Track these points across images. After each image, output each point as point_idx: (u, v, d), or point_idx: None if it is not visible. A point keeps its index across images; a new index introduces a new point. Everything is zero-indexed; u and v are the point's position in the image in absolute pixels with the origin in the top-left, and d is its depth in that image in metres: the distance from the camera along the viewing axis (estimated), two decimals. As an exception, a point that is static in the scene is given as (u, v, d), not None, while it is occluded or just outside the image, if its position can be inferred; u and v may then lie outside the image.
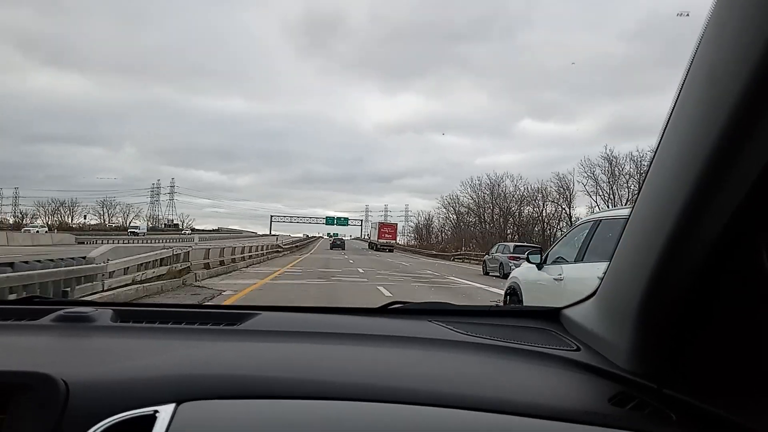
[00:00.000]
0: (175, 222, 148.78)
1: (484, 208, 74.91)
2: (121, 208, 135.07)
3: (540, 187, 67.18)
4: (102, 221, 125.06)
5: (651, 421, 1.01)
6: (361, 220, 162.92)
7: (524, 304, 7.92)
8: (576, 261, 6.87)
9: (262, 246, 37.68)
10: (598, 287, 1.40)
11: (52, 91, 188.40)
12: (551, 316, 1.71)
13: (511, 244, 29.16)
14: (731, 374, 1.01)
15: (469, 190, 78.75)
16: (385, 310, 1.88)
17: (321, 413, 1.00)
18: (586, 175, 59.20)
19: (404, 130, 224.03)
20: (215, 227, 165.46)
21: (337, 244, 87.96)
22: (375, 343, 1.45)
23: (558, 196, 63.58)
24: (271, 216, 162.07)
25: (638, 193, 1.15)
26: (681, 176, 0.94)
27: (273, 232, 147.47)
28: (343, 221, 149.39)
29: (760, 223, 0.92)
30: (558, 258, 7.48)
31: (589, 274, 5.71)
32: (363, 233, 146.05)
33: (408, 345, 1.43)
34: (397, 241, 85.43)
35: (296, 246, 58.97)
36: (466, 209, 78.58)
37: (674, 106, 0.99)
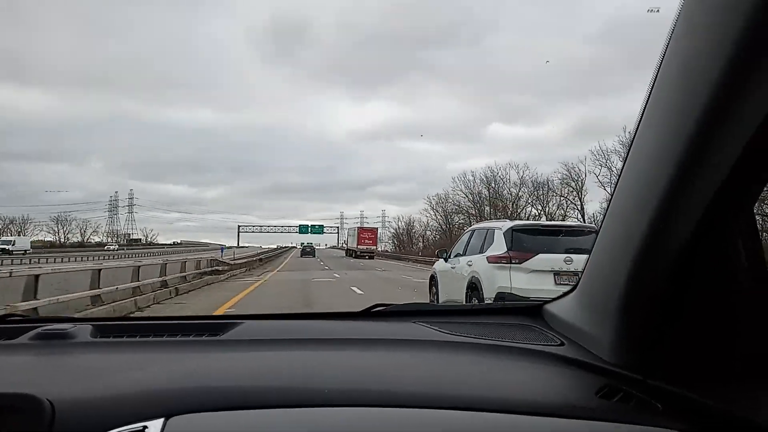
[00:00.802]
0: (134, 237, 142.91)
1: (480, 204, 68.44)
2: (77, 224, 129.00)
3: (546, 180, 60.94)
4: (57, 238, 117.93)
5: (637, 411, 1.03)
6: (338, 227, 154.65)
7: (440, 286, 11.53)
8: (461, 255, 10.39)
9: (185, 265, 21.89)
10: (578, 282, 1.41)
11: (14, 107, 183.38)
12: (534, 311, 1.72)
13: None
14: (713, 361, 1.03)
15: (462, 187, 71.78)
16: (368, 313, 1.87)
17: (312, 421, 1.00)
18: (599, 164, 51.90)
19: (376, 137, 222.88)
20: (177, 240, 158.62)
21: (308, 251, 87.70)
22: (361, 346, 1.45)
23: (564, 189, 58.30)
24: (239, 226, 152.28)
25: (614, 187, 1.17)
26: (655, 170, 0.96)
27: (242, 244, 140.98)
28: (318, 229, 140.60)
29: (733, 212, 0.94)
30: (455, 254, 10.87)
31: (464, 263, 9.87)
32: (339, 241, 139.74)
33: (394, 347, 1.43)
34: (377, 247, 77.37)
35: (259, 260, 42.98)
36: (456, 207, 72.62)
37: (647, 101, 1.01)
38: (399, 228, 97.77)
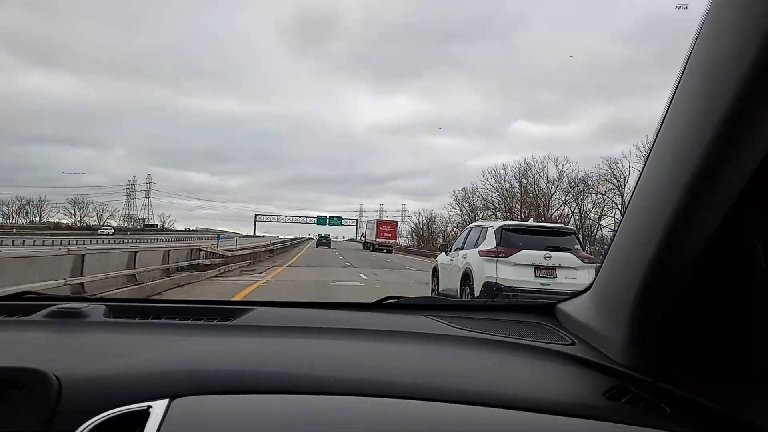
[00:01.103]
0: (149, 222, 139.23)
1: (509, 200, 64.32)
2: (94, 207, 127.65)
3: (585, 176, 58.94)
4: (73, 221, 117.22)
5: (646, 414, 1.02)
6: (356, 220, 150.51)
7: (440, 277, 12.83)
8: (460, 249, 11.72)
9: (168, 256, 16.81)
10: (593, 281, 1.40)
11: (42, 91, 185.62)
12: (546, 310, 1.71)
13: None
14: (726, 367, 1.01)
15: (492, 181, 67.89)
16: (380, 305, 1.88)
17: (316, 408, 1.00)
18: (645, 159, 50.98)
19: (397, 131, 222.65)
20: (192, 227, 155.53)
21: (323, 242, 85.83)
22: (370, 338, 1.45)
23: (604, 186, 56.95)
24: (255, 215, 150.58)
25: (635, 187, 1.15)
26: (677, 170, 0.94)
27: (259, 233, 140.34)
28: (336, 221, 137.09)
29: (754, 217, 0.92)
30: (455, 248, 12.23)
31: (461, 256, 11.20)
32: (358, 234, 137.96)
33: (403, 340, 1.43)
34: (397, 241, 74.26)
35: (269, 251, 36.99)
36: (483, 203, 68.93)
37: (671, 100, 0.99)
38: (420, 222, 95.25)
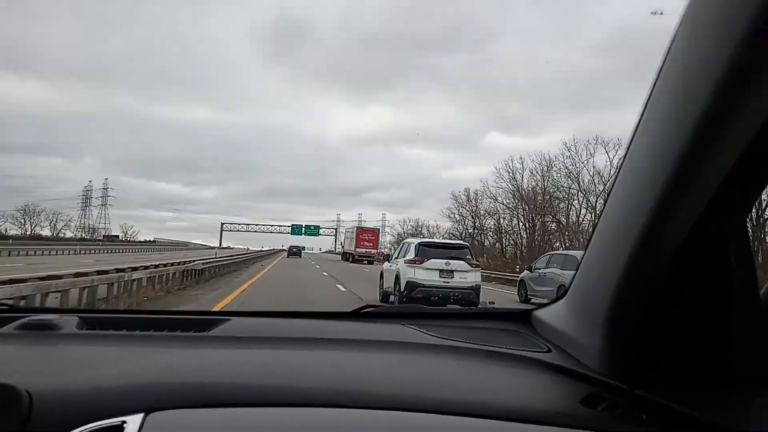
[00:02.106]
0: (109, 233, 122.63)
1: (526, 202, 55.26)
2: (46, 216, 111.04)
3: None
4: (23, 231, 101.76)
5: (622, 421, 1.02)
6: (335, 229, 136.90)
7: (384, 279, 16.31)
8: (396, 258, 15.60)
9: None
10: (568, 289, 1.41)
11: (9, 98, 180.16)
12: (522, 317, 1.72)
13: (564, 254, 19.62)
14: (701, 372, 1.03)
15: (505, 176, 56.65)
16: (357, 314, 1.87)
17: (295, 420, 0.99)
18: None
19: (372, 142, 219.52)
20: (151, 239, 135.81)
21: (294, 251, 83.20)
22: (349, 347, 1.44)
23: None
24: (222, 224, 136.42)
25: (608, 195, 1.16)
26: (649, 178, 0.96)
27: (227, 245, 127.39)
28: (313, 230, 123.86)
29: (725, 223, 0.94)
30: (394, 258, 16.07)
31: (395, 263, 15.09)
32: (336, 245, 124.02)
33: (382, 349, 1.43)
34: (378, 251, 65.14)
35: (215, 267, 25.22)
36: (493, 207, 59.03)
37: (646, 105, 1.01)
38: (405, 232, 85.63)
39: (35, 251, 48.27)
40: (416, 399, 1.06)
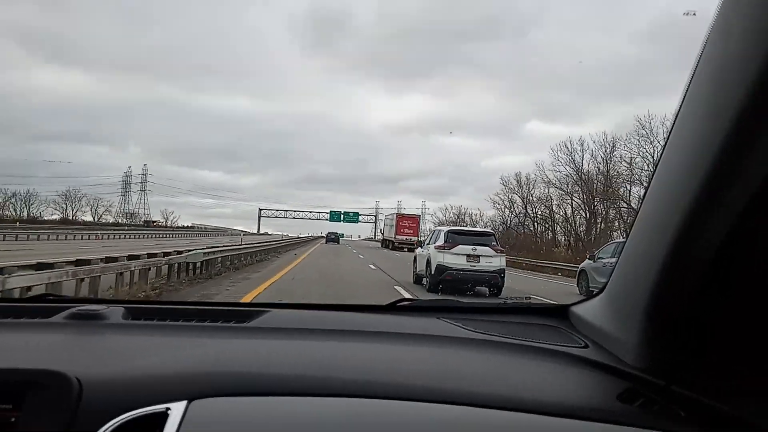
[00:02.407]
0: (148, 219, 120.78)
1: (578, 188, 50.13)
2: (87, 201, 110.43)
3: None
4: (65, 215, 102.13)
5: (659, 418, 1.02)
6: (375, 216, 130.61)
7: (417, 263, 18.03)
8: (427, 245, 17.11)
9: None
10: (606, 284, 1.40)
11: (57, 88, 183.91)
12: (559, 312, 1.71)
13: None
14: (740, 372, 1.01)
15: (561, 158, 51.37)
16: (394, 307, 1.88)
17: (331, 410, 1.01)
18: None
19: (410, 131, 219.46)
20: (189, 224, 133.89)
21: (332, 238, 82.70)
22: (385, 340, 1.46)
23: None
24: (260, 210, 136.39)
25: (646, 191, 1.15)
26: (688, 175, 0.94)
27: (266, 231, 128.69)
28: (352, 217, 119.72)
29: (766, 220, 0.92)
30: (426, 244, 17.65)
31: (427, 249, 16.83)
32: (375, 233, 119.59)
33: (417, 342, 1.44)
34: (419, 239, 56.63)
35: (244, 255, 23.69)
36: (547, 191, 54.06)
37: (681, 105, 1.00)
38: (446, 219, 79.68)
39: (66, 235, 48.46)
40: (450, 392, 1.07)
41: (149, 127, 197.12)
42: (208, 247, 19.60)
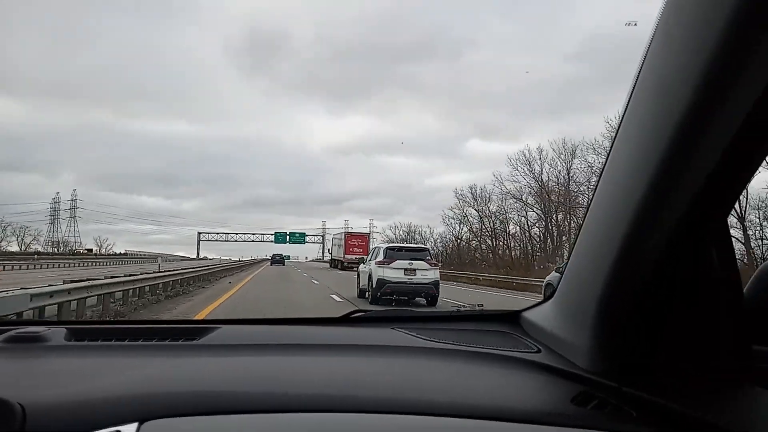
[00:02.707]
0: (78, 248, 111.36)
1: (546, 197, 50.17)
2: (12, 230, 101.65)
3: None
4: None
5: (612, 419, 1.03)
6: (323, 236, 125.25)
7: (360, 278, 19.82)
8: (369, 261, 18.67)
9: None
10: (556, 289, 1.42)
11: None
12: (511, 318, 1.73)
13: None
14: (690, 368, 1.05)
15: (519, 167, 51.08)
16: (347, 319, 1.87)
17: (287, 427, 1.00)
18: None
19: (352, 151, 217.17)
20: (122, 251, 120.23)
21: (277, 260, 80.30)
22: (339, 352, 1.44)
23: None
24: (199, 233, 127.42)
25: (592, 196, 1.18)
26: (633, 180, 0.97)
27: (208, 255, 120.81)
28: (299, 238, 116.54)
29: (708, 222, 0.96)
30: (368, 260, 19.07)
31: (368, 265, 18.65)
32: (323, 253, 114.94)
33: (372, 353, 1.43)
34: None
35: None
36: (503, 203, 53.52)
37: (625, 111, 1.03)
38: (396, 237, 76.62)
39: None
40: (406, 402, 1.07)
41: (83, 153, 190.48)
42: (80, 281, 12.74)
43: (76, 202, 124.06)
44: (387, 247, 18.57)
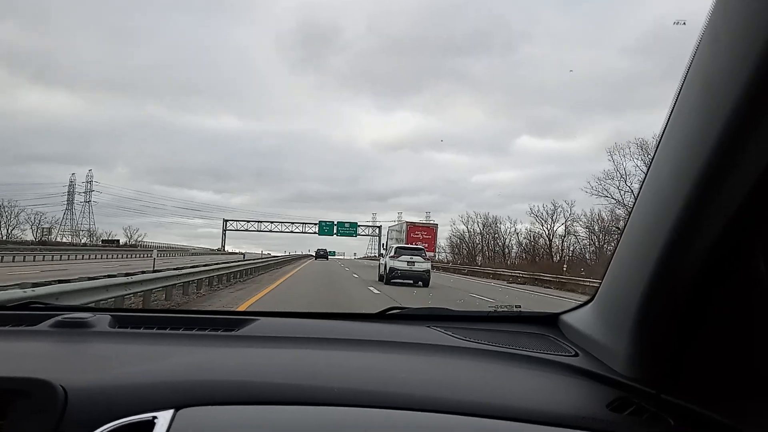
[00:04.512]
0: (107, 238, 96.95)
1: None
2: (26, 216, 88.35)
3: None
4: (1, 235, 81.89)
5: (649, 426, 1.02)
6: (378, 227, 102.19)
7: (380, 268, 29.39)
8: (385, 256, 29.05)
9: None
10: (596, 293, 1.40)
11: (42, 109, 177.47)
12: (549, 321, 1.71)
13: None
14: (729, 379, 1.01)
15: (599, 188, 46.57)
16: (384, 316, 1.88)
17: (319, 419, 1.01)
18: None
19: (401, 147, 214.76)
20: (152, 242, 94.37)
21: (321, 254, 76.83)
22: (374, 348, 1.45)
23: None
24: (225, 221, 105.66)
25: (635, 199, 1.16)
26: (678, 184, 0.95)
27: (234, 249, 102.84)
28: (349, 229, 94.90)
29: (756, 229, 0.93)
30: (386, 255, 28.90)
31: (384, 258, 29.06)
32: (379, 248, 78.18)
33: (407, 351, 1.44)
34: (435, 255, 50.14)
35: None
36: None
37: (671, 114, 1.00)
38: (469, 230, 68.92)
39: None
40: (440, 400, 1.07)
41: (136, 147, 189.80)
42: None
43: (91, 185, 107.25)
44: (397, 247, 27.96)
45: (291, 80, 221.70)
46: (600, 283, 1.36)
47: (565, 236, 57.16)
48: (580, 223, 55.48)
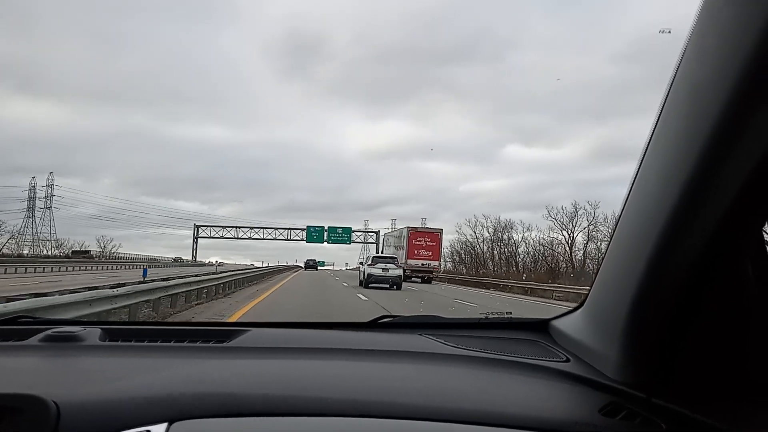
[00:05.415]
0: (77, 249, 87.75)
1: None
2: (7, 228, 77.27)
3: None
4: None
5: (641, 430, 1.02)
6: (376, 233, 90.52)
7: (360, 276, 33.46)
8: (364, 264, 34.05)
9: None
10: (586, 298, 1.40)
11: (27, 119, 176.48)
12: (540, 327, 1.72)
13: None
14: (719, 382, 1.02)
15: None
16: (375, 324, 1.88)
17: (312, 430, 1.01)
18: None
19: (389, 156, 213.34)
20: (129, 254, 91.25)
21: (311, 264, 73.64)
22: (366, 357, 1.45)
23: None
24: (196, 226, 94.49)
25: (623, 206, 1.16)
26: (665, 189, 0.96)
27: (202, 259, 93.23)
28: (341, 236, 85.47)
29: (743, 233, 0.94)
30: (365, 264, 33.03)
31: (364, 266, 33.59)
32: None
33: (399, 359, 1.44)
34: (439, 263, 46.33)
35: None
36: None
37: (657, 120, 1.01)
38: (477, 236, 62.97)
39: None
40: (433, 408, 1.07)
41: (122, 157, 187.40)
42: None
43: (52, 189, 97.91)
44: (373, 256, 32.85)
45: (278, 89, 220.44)
46: (590, 289, 1.37)
47: (587, 242, 53.61)
48: (607, 225, 50.03)
